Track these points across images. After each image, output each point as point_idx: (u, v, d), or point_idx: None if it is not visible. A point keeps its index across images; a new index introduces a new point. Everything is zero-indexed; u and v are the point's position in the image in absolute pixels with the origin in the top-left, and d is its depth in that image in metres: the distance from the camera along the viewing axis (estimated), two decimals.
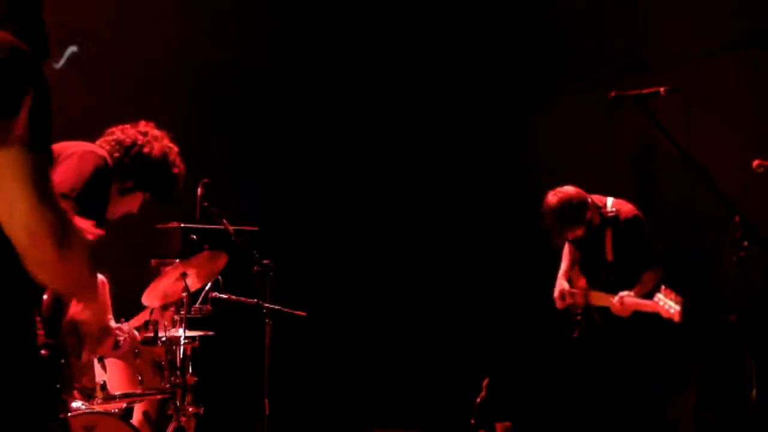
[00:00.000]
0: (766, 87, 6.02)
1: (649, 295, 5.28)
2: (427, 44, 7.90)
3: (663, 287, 5.19)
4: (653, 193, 6.52)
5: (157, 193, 3.63)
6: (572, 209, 5.33)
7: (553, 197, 5.38)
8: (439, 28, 7.89)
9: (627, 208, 5.48)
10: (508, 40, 7.43)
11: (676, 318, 5.09)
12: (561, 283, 5.78)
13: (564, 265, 5.84)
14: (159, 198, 3.64)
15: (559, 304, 5.75)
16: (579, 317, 5.72)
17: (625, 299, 5.29)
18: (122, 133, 3.54)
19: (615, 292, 5.36)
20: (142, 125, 3.59)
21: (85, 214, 2.97)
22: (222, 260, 5.67)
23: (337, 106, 7.98)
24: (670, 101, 4.14)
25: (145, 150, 3.52)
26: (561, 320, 5.78)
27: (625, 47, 6.72)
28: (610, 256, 5.47)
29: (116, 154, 3.49)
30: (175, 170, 3.62)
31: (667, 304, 5.12)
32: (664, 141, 3.97)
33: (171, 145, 3.62)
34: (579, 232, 5.41)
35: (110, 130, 3.58)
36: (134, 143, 3.51)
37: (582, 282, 5.70)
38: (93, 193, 3.15)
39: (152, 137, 3.58)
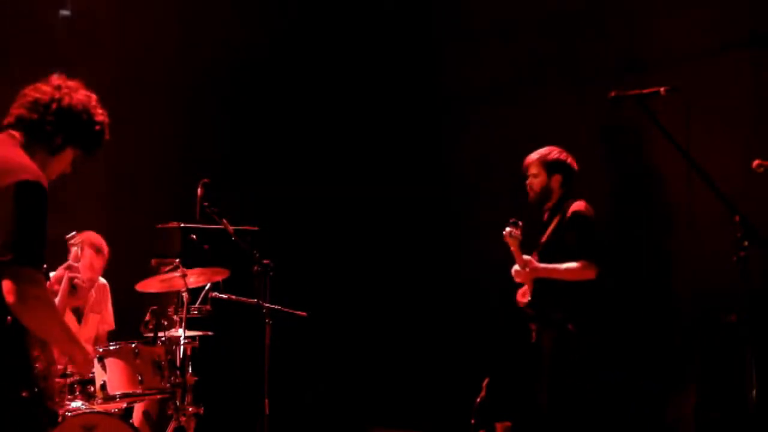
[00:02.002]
0: (766, 87, 6.02)
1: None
2: (394, 49, 7.95)
3: None
4: (652, 192, 6.52)
5: (86, 144, 3.45)
6: (556, 157, 5.53)
7: (544, 149, 5.58)
8: (407, 29, 7.95)
9: (580, 204, 5.48)
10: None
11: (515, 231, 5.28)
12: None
13: None
14: (88, 150, 3.47)
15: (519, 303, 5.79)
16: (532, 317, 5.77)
17: (530, 260, 5.35)
18: (37, 92, 3.37)
19: None
20: (55, 79, 3.43)
21: (26, 261, 3.00)
22: (222, 275, 5.70)
23: (339, 108, 7.99)
24: (670, 101, 4.14)
25: (65, 103, 3.35)
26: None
27: (625, 47, 6.72)
28: (544, 238, 5.49)
29: (35, 116, 3.31)
30: (99, 117, 3.45)
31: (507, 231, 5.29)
32: (664, 141, 3.97)
33: (89, 93, 3.47)
34: (538, 183, 5.52)
35: (23, 92, 3.40)
36: (52, 99, 3.35)
37: None
38: (30, 236, 3.06)
39: (68, 89, 3.40)
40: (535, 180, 5.54)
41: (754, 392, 3.91)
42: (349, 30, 7.98)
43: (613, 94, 4.11)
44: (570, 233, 5.38)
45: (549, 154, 5.53)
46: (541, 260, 5.41)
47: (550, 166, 5.50)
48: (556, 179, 5.50)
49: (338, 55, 8.01)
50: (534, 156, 5.56)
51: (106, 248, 5.88)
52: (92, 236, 5.87)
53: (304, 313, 5.93)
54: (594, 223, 5.43)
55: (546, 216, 5.58)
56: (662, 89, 4.04)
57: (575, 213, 5.39)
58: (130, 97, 7.09)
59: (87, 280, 5.79)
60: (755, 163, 4.34)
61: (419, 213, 7.83)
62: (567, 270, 5.30)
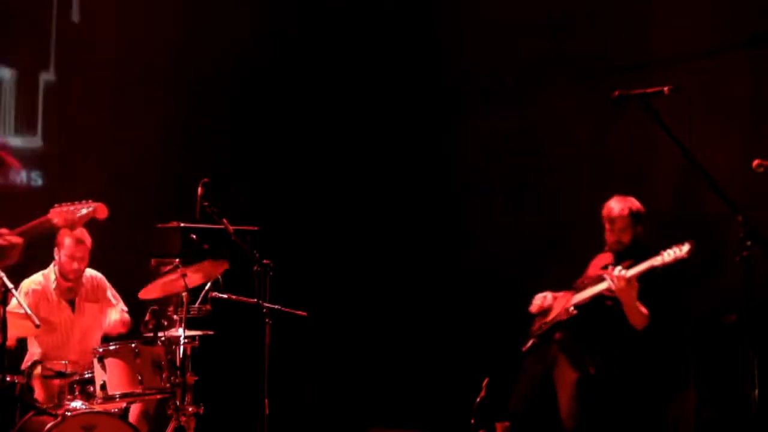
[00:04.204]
0: (766, 87, 6.03)
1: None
2: (400, 48, 7.95)
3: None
4: (653, 192, 6.52)
5: None
6: (638, 208, 5.60)
7: (626, 200, 5.61)
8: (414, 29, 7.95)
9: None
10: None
11: (686, 254, 5.20)
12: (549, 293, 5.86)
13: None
14: None
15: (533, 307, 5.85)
16: (536, 327, 5.79)
17: (622, 269, 5.36)
18: None
19: None
20: None
21: None
22: (222, 266, 5.68)
23: (338, 107, 7.99)
24: (670, 101, 4.13)
25: None
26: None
27: (625, 47, 6.72)
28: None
29: None
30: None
31: (672, 251, 5.24)
32: (665, 140, 3.97)
33: None
34: (628, 236, 5.57)
35: None
36: None
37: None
38: None
39: None
40: (624, 234, 5.58)
41: (756, 392, 3.91)
42: (349, 29, 7.97)
43: (616, 93, 4.10)
44: (653, 285, 5.38)
45: (633, 205, 5.58)
46: None
47: (637, 219, 5.58)
48: (640, 229, 5.59)
49: (338, 54, 8.00)
50: (622, 211, 5.57)
51: (88, 239, 5.75)
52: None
53: (304, 313, 5.93)
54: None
55: (615, 256, 5.59)
56: (666, 89, 4.04)
57: (666, 272, 5.34)
58: (130, 97, 7.09)
59: (71, 271, 5.69)
60: (755, 163, 4.33)
61: (419, 213, 7.83)
62: (640, 311, 5.37)
